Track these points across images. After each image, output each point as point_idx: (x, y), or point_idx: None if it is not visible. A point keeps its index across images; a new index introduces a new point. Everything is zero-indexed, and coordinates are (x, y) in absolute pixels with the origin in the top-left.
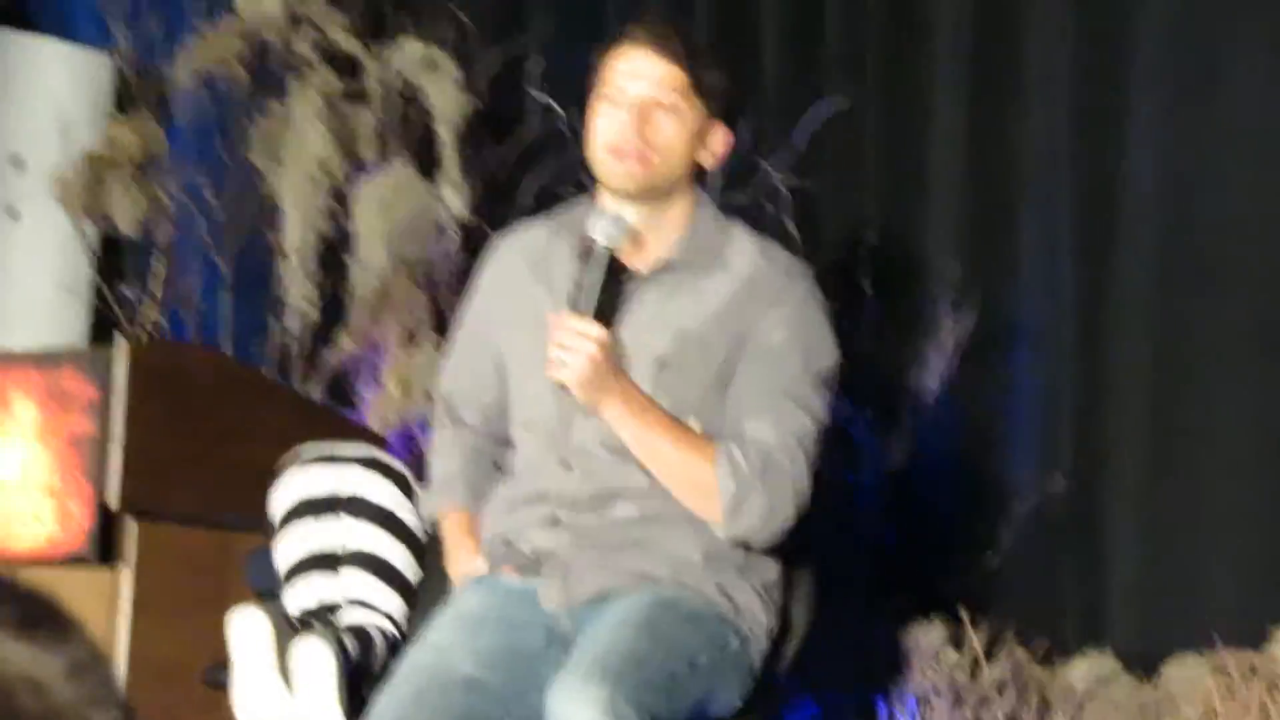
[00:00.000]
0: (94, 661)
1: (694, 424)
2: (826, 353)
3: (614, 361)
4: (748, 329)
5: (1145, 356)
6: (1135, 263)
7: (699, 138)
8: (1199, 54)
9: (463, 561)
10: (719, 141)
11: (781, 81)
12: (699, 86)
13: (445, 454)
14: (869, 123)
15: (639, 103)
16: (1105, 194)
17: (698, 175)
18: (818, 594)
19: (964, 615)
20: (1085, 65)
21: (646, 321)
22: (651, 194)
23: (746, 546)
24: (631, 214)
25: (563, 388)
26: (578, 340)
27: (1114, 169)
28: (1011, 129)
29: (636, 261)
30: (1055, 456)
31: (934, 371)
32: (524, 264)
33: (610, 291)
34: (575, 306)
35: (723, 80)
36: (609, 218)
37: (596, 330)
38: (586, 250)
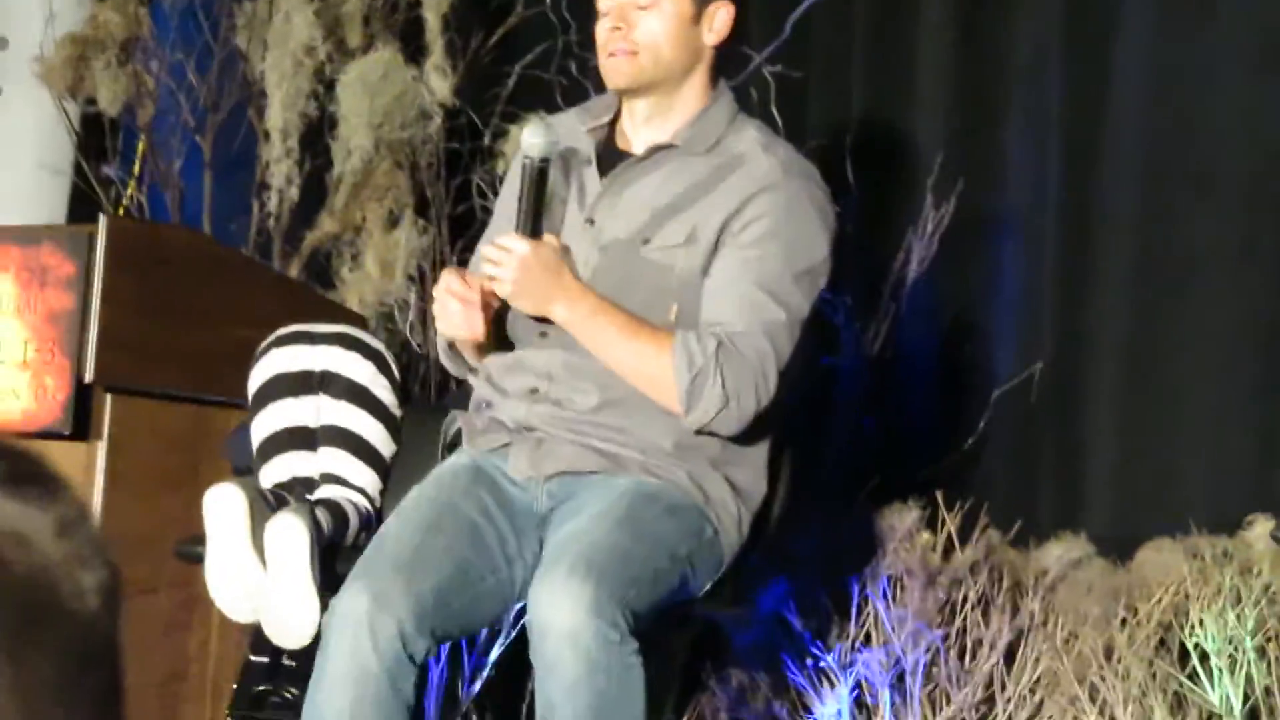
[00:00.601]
0: (82, 520)
1: (674, 309)
2: (812, 250)
3: (550, 268)
4: (735, 210)
5: (1127, 252)
6: (1121, 161)
7: (689, 21)
8: None
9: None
10: (719, 18)
11: None
12: None
13: None
14: (857, 11)
15: (620, 6)
16: (1094, 90)
17: (719, 59)
18: (792, 476)
19: (939, 498)
20: None
21: (632, 202)
22: (651, 87)
23: (714, 435)
24: (641, 107)
25: (502, 302)
26: (503, 255)
27: (1104, 67)
28: (1001, 23)
29: (639, 144)
30: (1035, 345)
31: (915, 259)
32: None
33: (542, 201)
34: (516, 223)
35: None
36: (536, 128)
37: (520, 243)
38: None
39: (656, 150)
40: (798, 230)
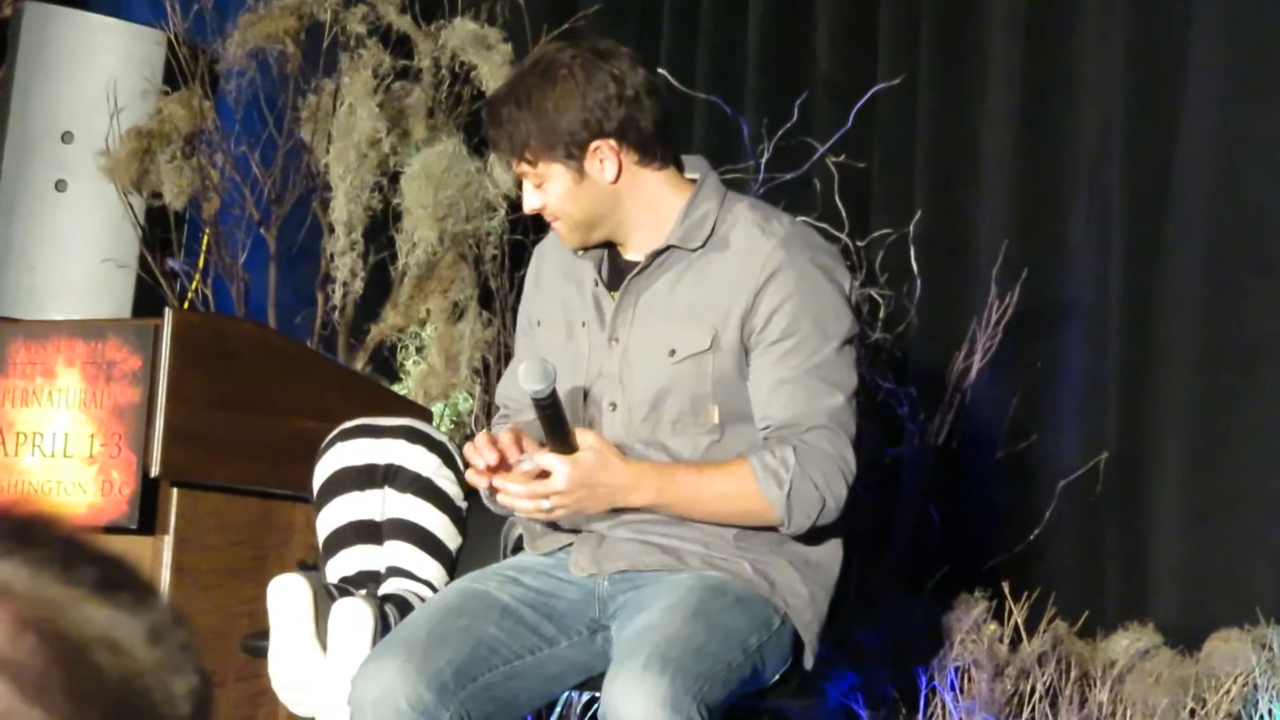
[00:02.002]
0: (174, 626)
1: (715, 410)
2: (840, 318)
3: (598, 468)
4: (750, 311)
5: (1192, 342)
6: (1185, 249)
7: (576, 180)
8: (1253, 48)
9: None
10: (600, 159)
11: (835, 61)
12: (539, 157)
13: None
14: (921, 103)
15: (526, 183)
16: (1158, 178)
17: (659, 159)
18: (860, 567)
19: (1005, 588)
20: (1140, 53)
21: (648, 312)
22: (601, 231)
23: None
24: (618, 236)
25: (578, 517)
26: (550, 483)
27: (1167, 154)
28: (1065, 114)
29: (633, 254)
30: (1100, 436)
31: (980, 348)
32: (557, 264)
33: (563, 423)
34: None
35: (555, 120)
36: (529, 365)
37: (557, 463)
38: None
39: (656, 255)
40: (820, 305)
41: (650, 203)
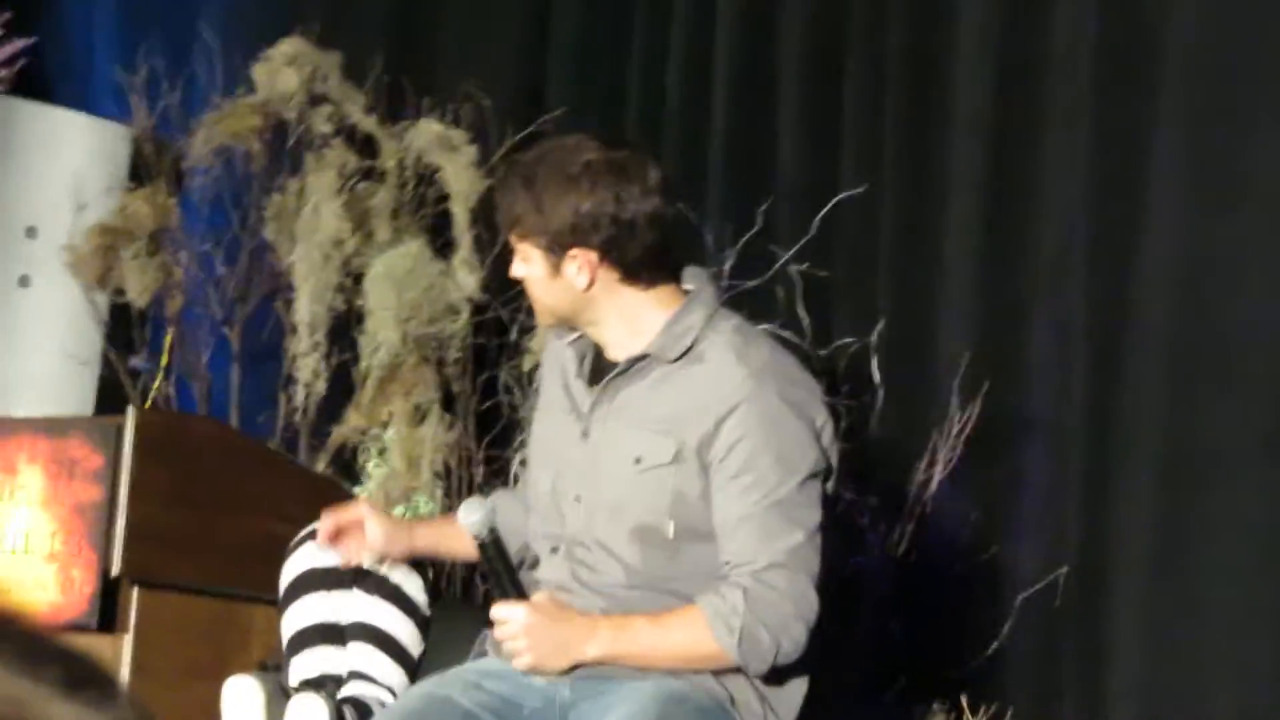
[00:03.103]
0: None
1: (671, 526)
2: (805, 453)
3: (556, 618)
4: (712, 436)
5: (1154, 454)
6: (1147, 360)
7: (550, 277)
8: (1216, 160)
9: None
10: (576, 267)
11: (798, 169)
12: (529, 234)
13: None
14: (884, 211)
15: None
16: (1119, 290)
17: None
18: (819, 677)
19: (963, 701)
20: (1103, 163)
21: (619, 415)
22: (570, 321)
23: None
24: (594, 332)
25: (534, 673)
26: (510, 629)
27: (1128, 266)
28: (1027, 222)
29: (621, 352)
30: (1061, 547)
31: (941, 459)
32: (553, 362)
33: (510, 564)
34: (499, 593)
35: (556, 216)
36: (471, 506)
37: (515, 610)
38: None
39: (634, 362)
40: (782, 439)
41: (626, 316)
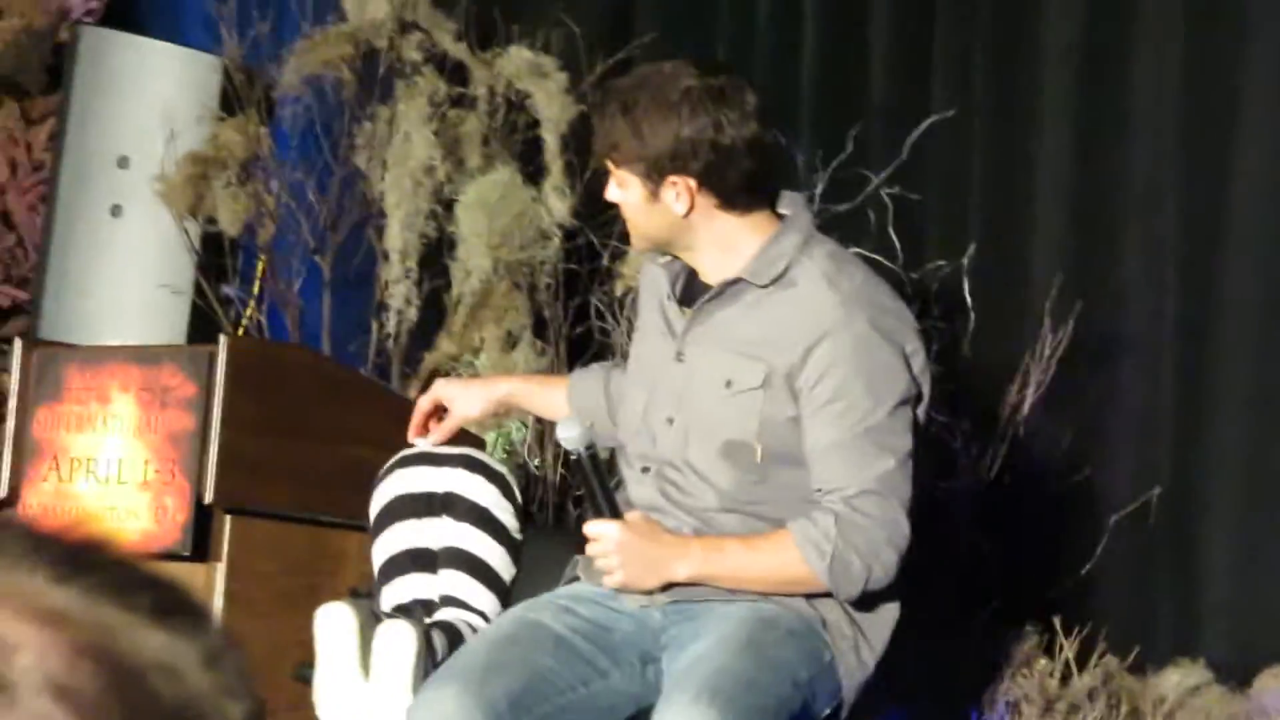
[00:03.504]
0: (228, 651)
1: (759, 450)
2: (896, 380)
3: (648, 536)
4: (802, 362)
5: (1247, 377)
6: (1240, 281)
7: (647, 202)
8: None
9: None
10: (675, 194)
11: (889, 93)
12: (619, 162)
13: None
14: (975, 134)
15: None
16: (1212, 211)
17: (738, 203)
18: (909, 600)
19: (1056, 623)
20: (1195, 86)
21: (712, 338)
22: (667, 248)
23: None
24: (688, 257)
25: (625, 590)
26: (605, 544)
27: (1222, 190)
28: (1118, 147)
29: (714, 278)
30: (1153, 470)
31: (1033, 382)
32: (649, 285)
33: (607, 483)
34: (592, 513)
35: (645, 140)
36: (569, 423)
37: (610, 527)
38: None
39: (727, 285)
40: (873, 366)
41: (722, 241)
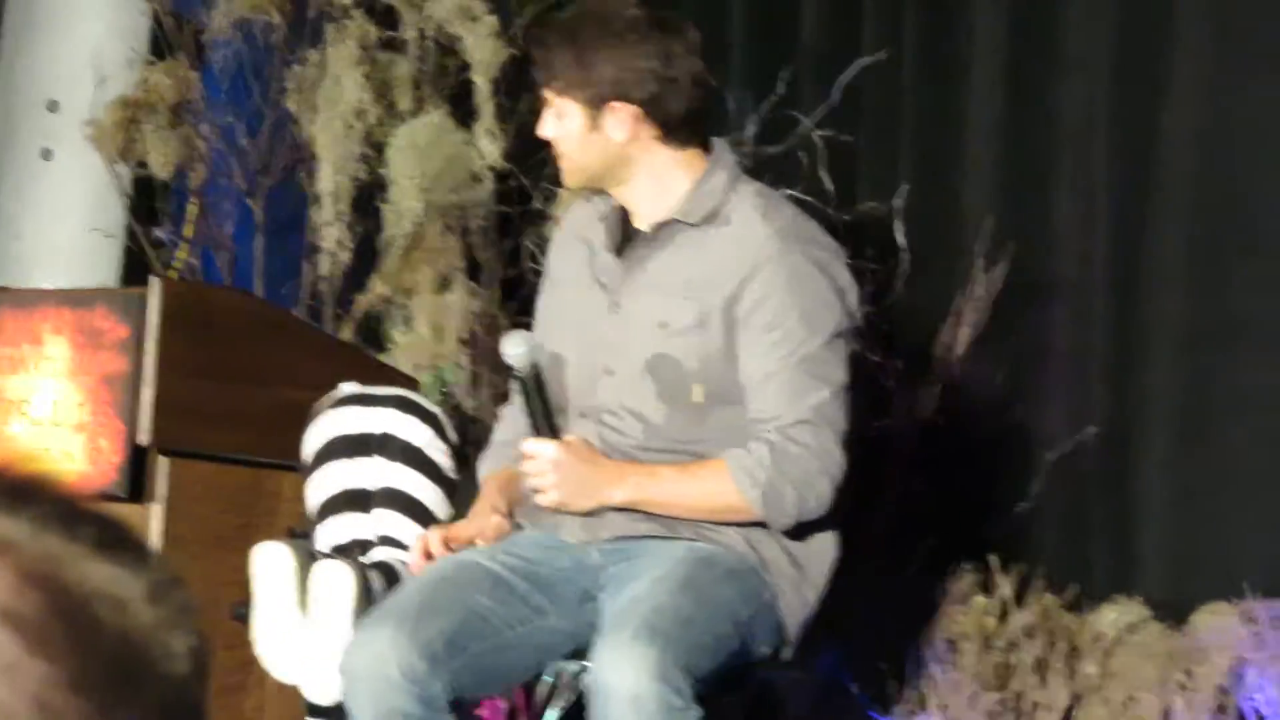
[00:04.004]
0: (173, 587)
1: (699, 389)
2: (830, 312)
3: (585, 459)
4: (739, 293)
5: (1178, 317)
6: (1170, 223)
7: (586, 129)
8: (1240, 24)
9: (476, 513)
10: (615, 120)
11: (820, 36)
12: (569, 88)
13: (504, 424)
14: (906, 77)
15: (542, 109)
16: (1142, 153)
17: (684, 136)
18: (846, 540)
19: (993, 562)
20: (1126, 27)
21: (647, 283)
22: (600, 182)
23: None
24: (620, 194)
25: (559, 510)
26: (540, 463)
27: (1151, 129)
28: (1050, 86)
29: (646, 221)
30: (1087, 409)
31: (966, 322)
32: (577, 223)
33: (549, 403)
34: (532, 431)
35: (586, 68)
36: (515, 339)
37: (548, 447)
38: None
39: (661, 226)
40: (808, 297)
41: (658, 176)
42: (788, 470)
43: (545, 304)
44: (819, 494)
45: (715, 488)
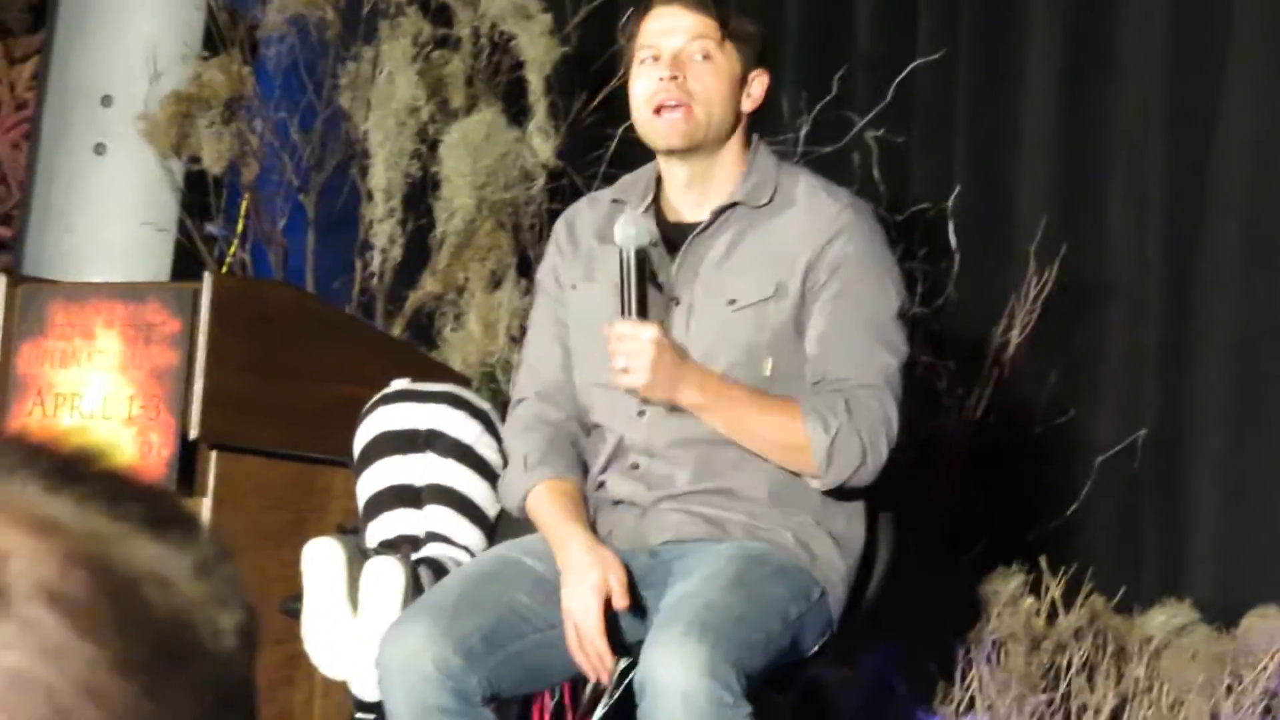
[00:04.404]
0: (220, 562)
1: (769, 363)
2: (898, 288)
3: (674, 353)
4: (815, 262)
5: (1230, 321)
6: (1224, 228)
7: (737, 83)
8: None
9: (582, 559)
10: (757, 85)
11: (874, 36)
12: (732, 33)
13: (525, 435)
14: (960, 78)
15: (675, 56)
16: (1198, 158)
17: (748, 122)
18: (898, 539)
19: (1042, 563)
20: (1182, 32)
21: (716, 263)
22: (701, 146)
23: (844, 492)
24: (682, 173)
25: (632, 393)
26: (632, 344)
27: (1208, 133)
28: (1105, 92)
29: (700, 211)
30: (1138, 412)
31: (1018, 324)
32: (591, 228)
33: (645, 288)
34: (622, 312)
35: (753, 26)
36: (628, 218)
37: (648, 329)
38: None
39: (720, 212)
40: (882, 271)
41: (735, 154)
42: (859, 424)
43: (576, 308)
44: (878, 457)
45: (785, 423)
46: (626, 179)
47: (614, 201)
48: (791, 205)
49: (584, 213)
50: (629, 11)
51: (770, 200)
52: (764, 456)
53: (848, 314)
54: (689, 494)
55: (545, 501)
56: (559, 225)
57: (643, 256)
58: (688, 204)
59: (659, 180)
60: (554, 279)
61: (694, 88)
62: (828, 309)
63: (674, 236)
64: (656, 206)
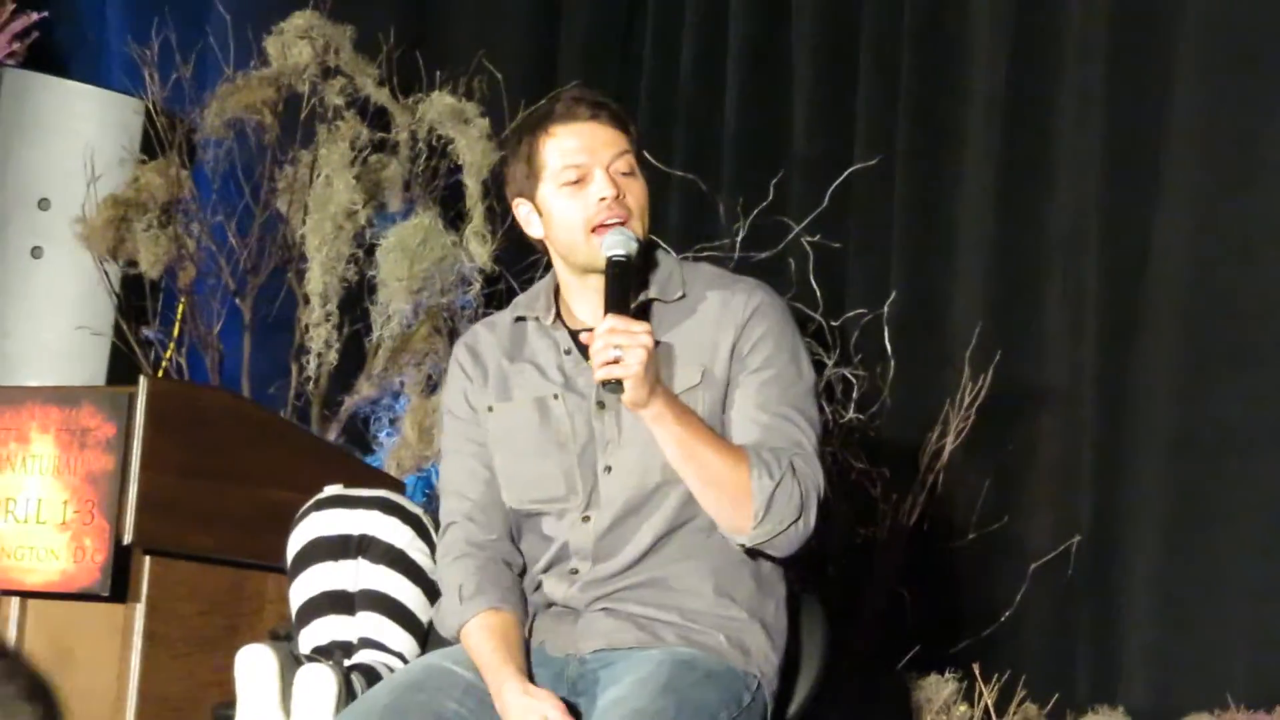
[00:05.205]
0: (11, 674)
1: None
2: (809, 364)
3: (657, 359)
4: (738, 342)
5: (1165, 426)
6: (1160, 333)
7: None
8: (1231, 136)
9: (514, 693)
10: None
11: (811, 142)
12: (635, 148)
13: (458, 565)
14: (896, 183)
15: (608, 173)
16: (1133, 263)
17: None
18: (831, 642)
19: (976, 670)
20: (1117, 142)
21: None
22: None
23: (764, 556)
24: (599, 283)
25: (612, 386)
26: (626, 337)
27: (1142, 241)
28: (1040, 197)
29: (582, 315)
30: (1073, 519)
31: (953, 430)
32: (495, 351)
33: (629, 296)
34: (605, 314)
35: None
36: (616, 234)
37: (641, 325)
38: (608, 266)
39: (640, 310)
40: (795, 346)
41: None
42: (802, 482)
43: (497, 429)
44: (809, 518)
45: (733, 464)
46: (523, 297)
47: (517, 320)
48: (703, 298)
49: (484, 337)
50: (515, 131)
51: (681, 296)
52: (701, 493)
53: (766, 389)
54: (623, 590)
55: (482, 639)
56: (460, 352)
57: (627, 266)
58: (594, 313)
59: (557, 292)
60: (465, 404)
61: (631, 203)
62: (748, 386)
63: (587, 343)
64: (560, 319)
